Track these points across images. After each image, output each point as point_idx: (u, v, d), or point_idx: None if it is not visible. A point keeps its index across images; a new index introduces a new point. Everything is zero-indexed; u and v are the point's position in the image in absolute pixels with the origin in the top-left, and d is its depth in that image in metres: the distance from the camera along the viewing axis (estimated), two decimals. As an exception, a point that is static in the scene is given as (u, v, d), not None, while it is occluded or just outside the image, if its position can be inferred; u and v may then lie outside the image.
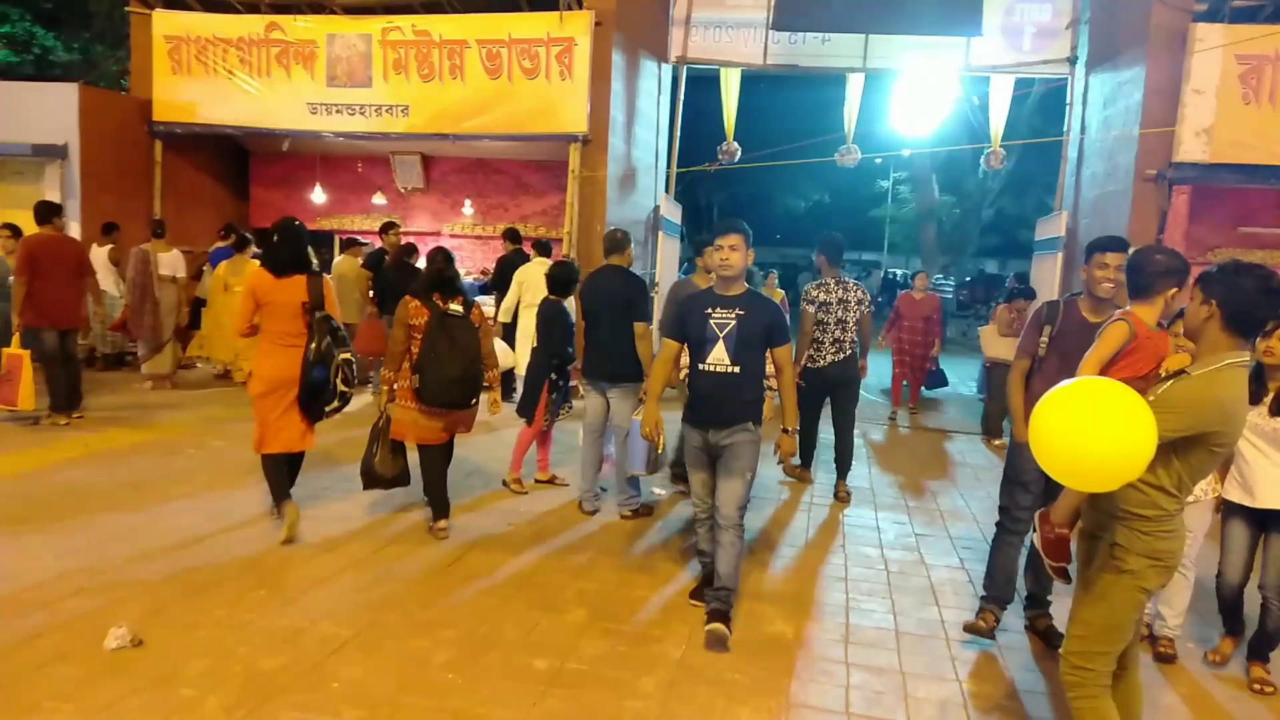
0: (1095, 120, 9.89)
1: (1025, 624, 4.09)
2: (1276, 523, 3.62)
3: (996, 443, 8.36)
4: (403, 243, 8.89)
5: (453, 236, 12.12)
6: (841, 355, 6.06)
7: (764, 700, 3.30)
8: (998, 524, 4.05)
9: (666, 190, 11.54)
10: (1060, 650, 2.76)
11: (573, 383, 5.96)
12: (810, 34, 10.62)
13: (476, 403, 4.88)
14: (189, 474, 5.79)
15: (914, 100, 11.87)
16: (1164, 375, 2.63)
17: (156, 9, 10.44)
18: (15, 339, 6.68)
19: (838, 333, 6.05)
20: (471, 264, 12.03)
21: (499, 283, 8.63)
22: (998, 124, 10.80)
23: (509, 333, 7.95)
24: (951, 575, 4.79)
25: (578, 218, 9.57)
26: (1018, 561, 4.02)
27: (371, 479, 4.83)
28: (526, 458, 5.89)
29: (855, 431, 6.40)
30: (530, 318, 6.81)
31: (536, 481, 5.98)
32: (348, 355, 4.65)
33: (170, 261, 8.63)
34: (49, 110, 9.84)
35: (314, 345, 4.51)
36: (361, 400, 8.36)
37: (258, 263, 5.12)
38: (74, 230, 9.44)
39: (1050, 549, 2.86)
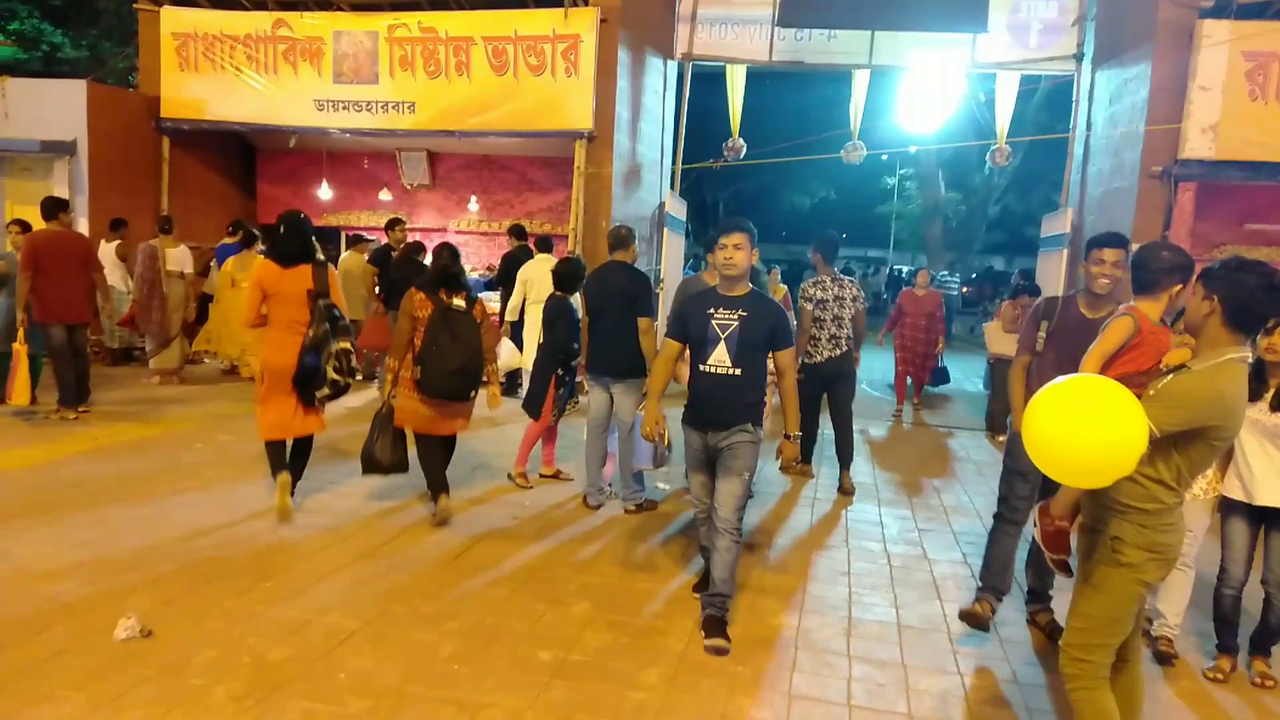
0: (1101, 117, 9.87)
1: (1027, 618, 4.11)
2: (1276, 519, 3.63)
3: (1000, 438, 8.35)
4: (409, 239, 8.91)
5: (458, 233, 12.14)
6: (838, 351, 6.20)
7: (766, 692, 3.32)
8: (996, 514, 4.07)
9: (672, 187, 11.56)
10: (1060, 642, 2.78)
11: (578, 378, 5.99)
12: (816, 30, 10.64)
13: (475, 395, 4.96)
14: (197, 468, 5.84)
15: (920, 97, 11.82)
16: (1165, 369, 2.65)
17: (165, 6, 10.46)
18: (20, 334, 6.72)
19: (834, 329, 6.19)
20: (477, 260, 12.05)
21: (504, 279, 8.65)
22: (1003, 121, 10.79)
23: (517, 332, 7.97)
24: (954, 570, 4.81)
25: (583, 214, 9.60)
26: (1014, 552, 4.04)
27: (371, 464, 4.93)
28: (532, 453, 5.92)
29: (858, 428, 6.44)
30: (536, 314, 6.84)
31: (541, 476, 6.02)
32: (346, 345, 4.74)
33: (178, 257, 8.68)
34: (57, 107, 9.89)
35: (312, 331, 4.65)
36: (368, 395, 8.40)
37: (262, 257, 5.19)
38: (82, 226, 9.52)
39: (1050, 542, 2.87)
